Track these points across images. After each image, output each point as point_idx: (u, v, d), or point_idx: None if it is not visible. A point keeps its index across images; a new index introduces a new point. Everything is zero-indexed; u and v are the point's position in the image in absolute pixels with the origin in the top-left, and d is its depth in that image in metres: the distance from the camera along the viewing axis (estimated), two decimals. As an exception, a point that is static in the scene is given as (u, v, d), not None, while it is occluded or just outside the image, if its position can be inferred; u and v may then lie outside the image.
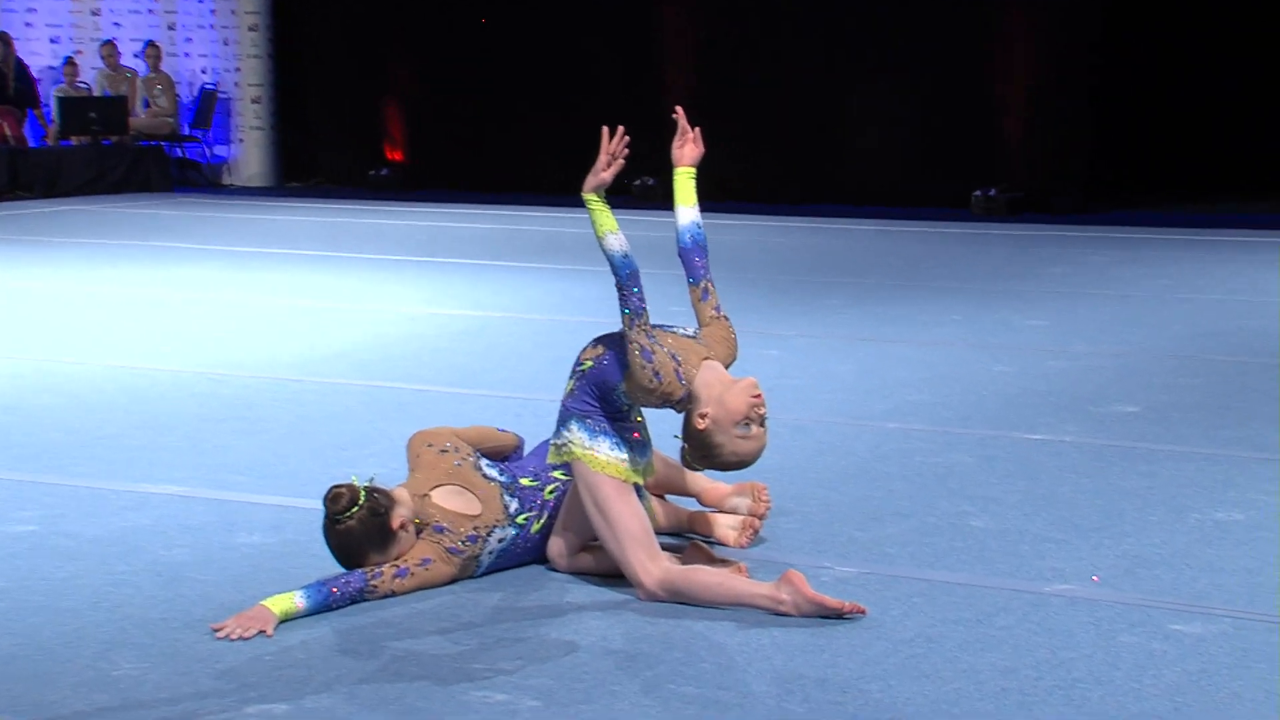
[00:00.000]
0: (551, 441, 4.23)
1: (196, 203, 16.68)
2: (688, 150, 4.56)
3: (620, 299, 4.10)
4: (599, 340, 4.22)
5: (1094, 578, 4.25)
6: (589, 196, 4.19)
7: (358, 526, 4.10)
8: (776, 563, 4.35)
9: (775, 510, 4.82)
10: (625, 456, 4.13)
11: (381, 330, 8.39)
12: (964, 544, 4.57)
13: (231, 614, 3.93)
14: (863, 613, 3.92)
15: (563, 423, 4.18)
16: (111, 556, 4.47)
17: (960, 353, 7.68)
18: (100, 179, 17.32)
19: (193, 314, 9.02)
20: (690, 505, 4.72)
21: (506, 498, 4.32)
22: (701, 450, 4.11)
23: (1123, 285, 10.10)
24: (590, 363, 4.17)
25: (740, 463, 4.13)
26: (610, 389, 4.12)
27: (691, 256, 4.46)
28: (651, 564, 4.07)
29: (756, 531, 4.56)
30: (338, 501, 4.11)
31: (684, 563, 4.17)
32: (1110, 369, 7.27)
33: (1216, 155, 16.34)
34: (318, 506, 4.66)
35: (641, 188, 16.37)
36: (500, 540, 4.28)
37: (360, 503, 4.10)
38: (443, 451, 4.37)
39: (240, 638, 3.82)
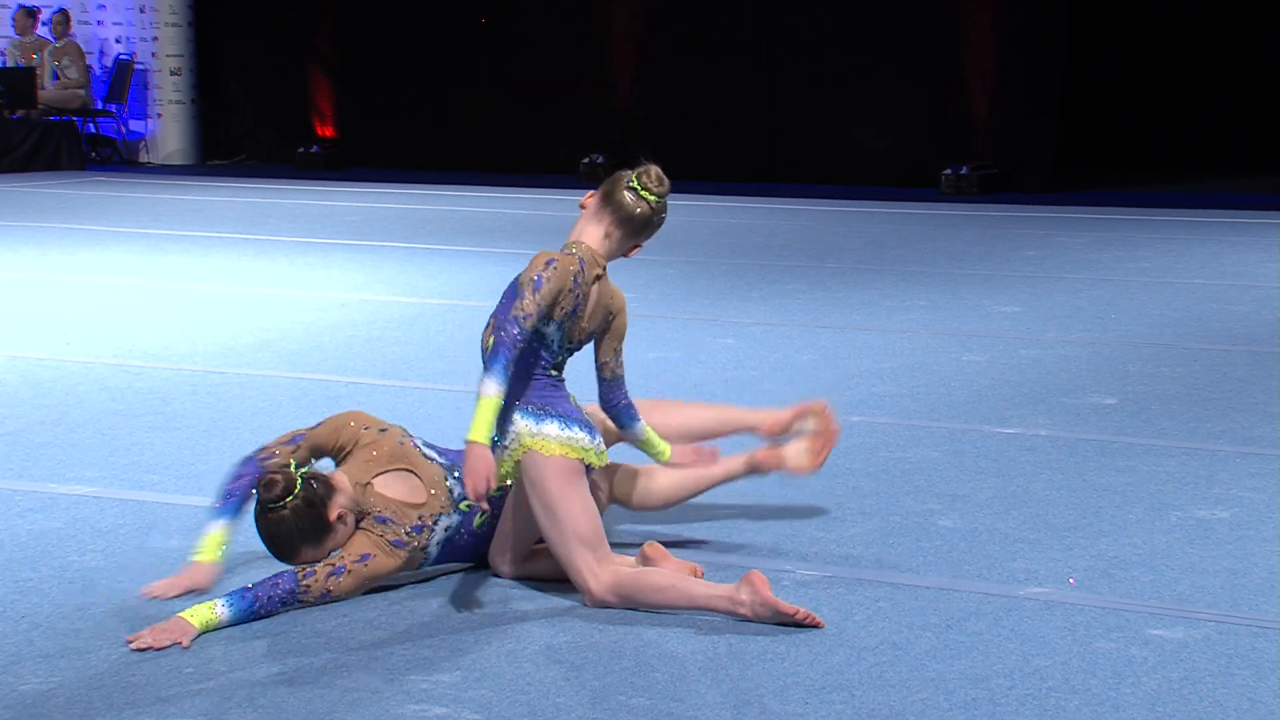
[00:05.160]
0: (498, 446, 4.14)
1: (111, 182, 16.55)
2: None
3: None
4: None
5: (1070, 580, 4.27)
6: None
7: (291, 517, 4.06)
8: (734, 566, 4.35)
9: (731, 511, 4.83)
10: (577, 435, 4.11)
11: (309, 318, 8.35)
12: (932, 544, 4.58)
13: (148, 624, 3.90)
14: (819, 625, 3.92)
15: (504, 420, 4.12)
16: (17, 562, 4.42)
17: (927, 341, 7.70)
18: (4, 156, 17.16)
19: (105, 301, 8.95)
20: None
21: (450, 481, 4.29)
22: (618, 209, 4.15)
23: (1098, 268, 10.15)
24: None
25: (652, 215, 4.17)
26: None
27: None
28: (599, 567, 4.06)
29: (830, 448, 4.60)
30: (271, 488, 4.07)
31: (638, 563, 4.15)
32: (1086, 358, 7.30)
33: (1190, 133, 16.50)
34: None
35: (589, 166, 16.36)
36: (446, 529, 4.24)
37: (295, 491, 4.06)
38: (382, 431, 4.33)
39: (155, 650, 3.78)
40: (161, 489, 5.14)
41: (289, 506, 4.06)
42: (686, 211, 13.36)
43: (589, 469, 4.17)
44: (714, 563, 4.36)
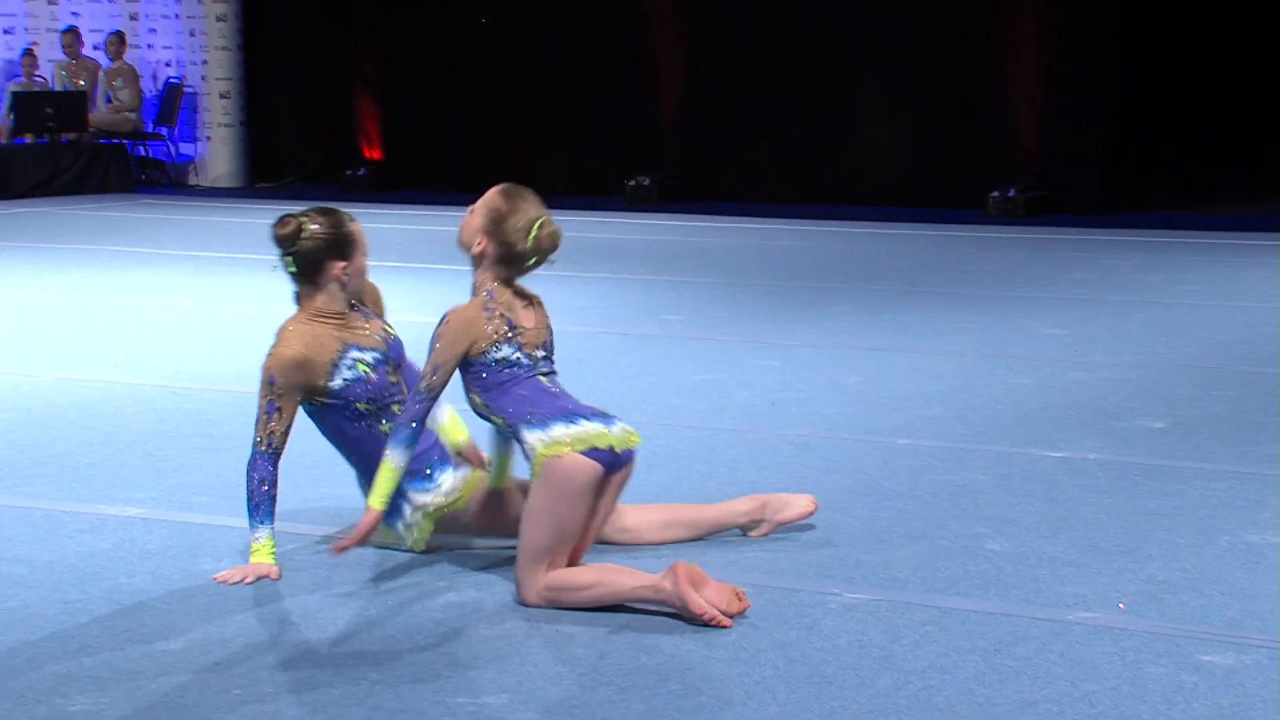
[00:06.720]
0: (529, 466, 4.28)
1: (160, 204, 16.67)
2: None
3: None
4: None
5: (1119, 605, 4.24)
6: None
7: (311, 241, 4.58)
8: (776, 588, 4.34)
9: (779, 534, 4.82)
10: (585, 427, 4.23)
11: (356, 340, 8.35)
12: (979, 568, 4.56)
13: (194, 642, 3.92)
14: (727, 626, 4.01)
15: (515, 437, 4.28)
16: (66, 583, 4.44)
17: (974, 364, 7.68)
18: (54, 179, 17.28)
19: (153, 323, 9.00)
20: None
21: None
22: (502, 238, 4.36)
23: (1147, 291, 10.10)
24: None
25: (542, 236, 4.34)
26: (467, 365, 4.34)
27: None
28: (542, 574, 4.19)
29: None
30: (285, 225, 4.57)
31: (672, 585, 4.09)
32: (1134, 381, 7.26)
33: (1239, 154, 16.39)
34: (287, 531, 4.68)
35: (635, 189, 16.37)
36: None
37: (304, 228, 4.56)
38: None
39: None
40: (209, 510, 5.16)
41: (309, 235, 4.56)
42: (731, 233, 13.35)
43: (614, 455, 4.24)
44: (758, 585, 4.35)
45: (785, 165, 16.30)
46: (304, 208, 4.67)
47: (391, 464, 4.27)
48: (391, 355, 4.74)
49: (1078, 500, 5.25)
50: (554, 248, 4.39)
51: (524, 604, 4.22)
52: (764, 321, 8.97)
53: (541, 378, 4.36)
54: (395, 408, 4.62)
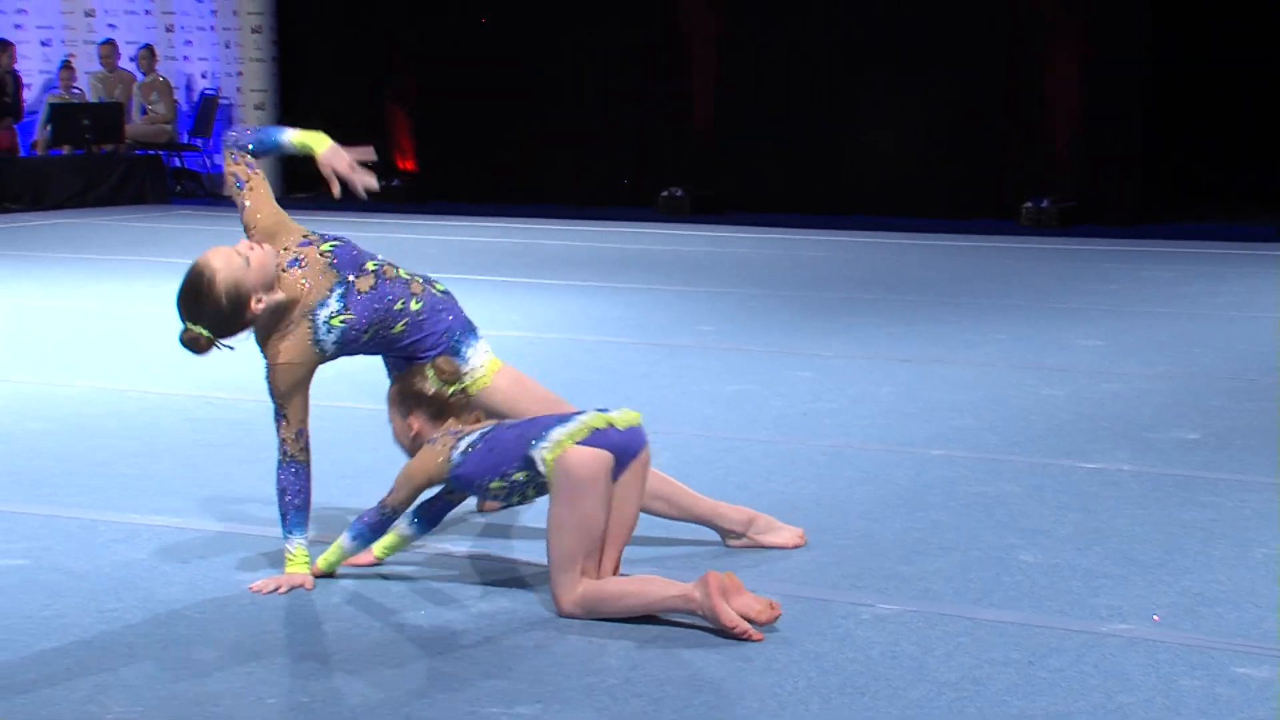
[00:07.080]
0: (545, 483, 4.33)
1: (195, 215, 16.73)
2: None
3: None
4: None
5: (1154, 617, 4.22)
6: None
7: (218, 326, 4.51)
8: (809, 599, 4.33)
9: (812, 544, 4.81)
10: (582, 419, 4.28)
11: (390, 351, 8.37)
12: (1013, 579, 4.54)
13: (228, 652, 3.94)
14: (758, 639, 4.00)
15: (530, 468, 4.28)
16: (102, 592, 4.46)
17: (1008, 374, 7.65)
18: (90, 190, 17.35)
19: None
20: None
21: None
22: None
23: (1182, 302, 10.06)
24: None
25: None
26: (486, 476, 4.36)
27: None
28: (576, 582, 4.20)
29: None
30: (195, 347, 4.53)
31: (703, 596, 4.10)
32: (1169, 392, 7.23)
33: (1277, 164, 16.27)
34: (322, 541, 4.69)
35: (668, 200, 16.37)
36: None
37: (201, 334, 4.48)
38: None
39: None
40: (245, 520, 5.18)
41: (213, 330, 4.51)
42: (763, 244, 13.35)
43: (618, 433, 4.26)
44: (791, 595, 4.34)
45: (816, 176, 16.27)
46: (176, 291, 4.58)
47: (344, 549, 4.49)
48: (347, 269, 4.73)
49: (1112, 512, 5.23)
50: (454, 369, 4.53)
51: (561, 615, 4.22)
52: (796, 332, 8.96)
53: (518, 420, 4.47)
54: (399, 305, 4.70)
